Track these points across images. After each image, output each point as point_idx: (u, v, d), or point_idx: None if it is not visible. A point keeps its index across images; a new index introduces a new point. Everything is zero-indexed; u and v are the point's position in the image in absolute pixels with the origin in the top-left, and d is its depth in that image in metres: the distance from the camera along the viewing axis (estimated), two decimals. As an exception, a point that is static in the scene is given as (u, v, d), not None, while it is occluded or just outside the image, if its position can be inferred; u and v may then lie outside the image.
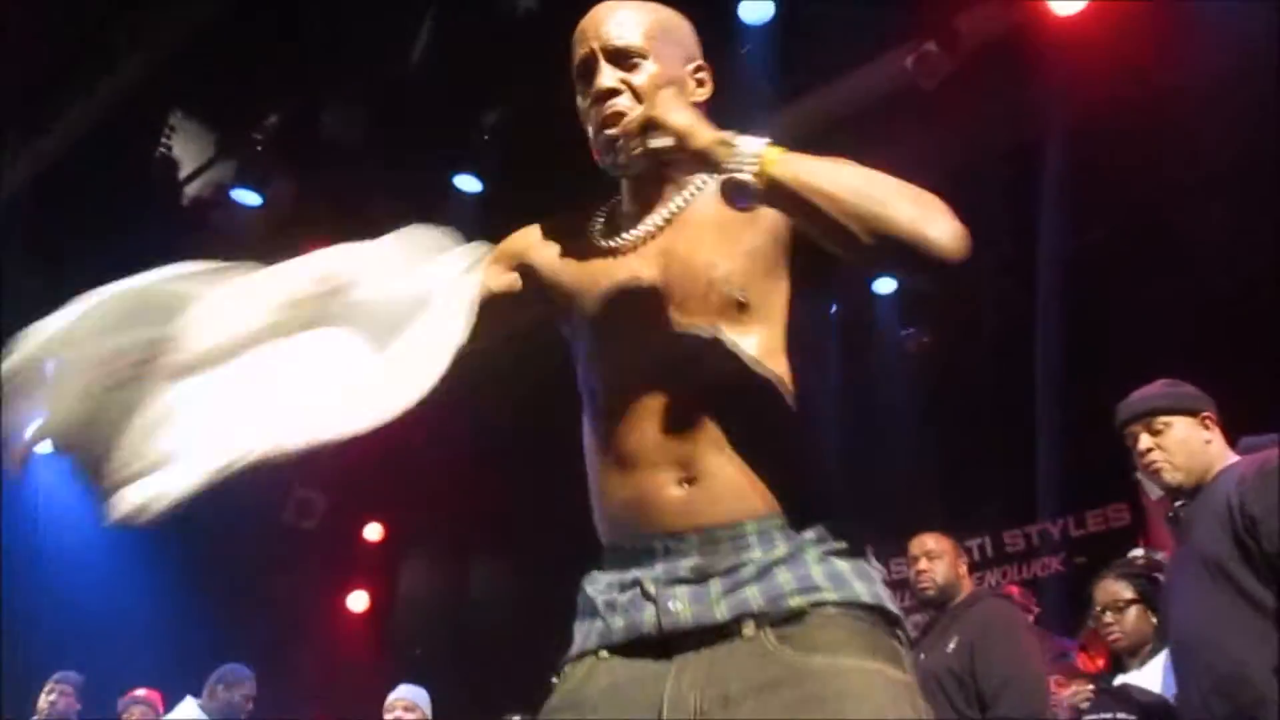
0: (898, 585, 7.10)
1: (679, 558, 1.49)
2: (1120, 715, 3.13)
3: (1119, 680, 3.27)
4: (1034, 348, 6.37)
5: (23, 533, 6.22)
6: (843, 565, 1.49)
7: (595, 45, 1.66)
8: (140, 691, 5.53)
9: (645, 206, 1.69)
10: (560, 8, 5.61)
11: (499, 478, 7.96)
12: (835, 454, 1.70)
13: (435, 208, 6.77)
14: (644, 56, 1.65)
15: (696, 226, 1.65)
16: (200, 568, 7.31)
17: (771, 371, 1.55)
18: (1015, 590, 5.08)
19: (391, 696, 5.13)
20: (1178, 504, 2.57)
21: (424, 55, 5.55)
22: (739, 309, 1.56)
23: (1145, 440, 2.61)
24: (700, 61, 1.75)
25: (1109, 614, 3.29)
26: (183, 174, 6.71)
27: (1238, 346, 5.31)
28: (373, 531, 9.15)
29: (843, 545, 1.51)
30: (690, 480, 1.51)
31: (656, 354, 1.57)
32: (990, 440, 6.85)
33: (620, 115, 1.59)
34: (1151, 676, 3.09)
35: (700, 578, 1.47)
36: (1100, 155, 5.76)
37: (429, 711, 5.12)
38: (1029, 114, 5.84)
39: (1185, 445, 2.56)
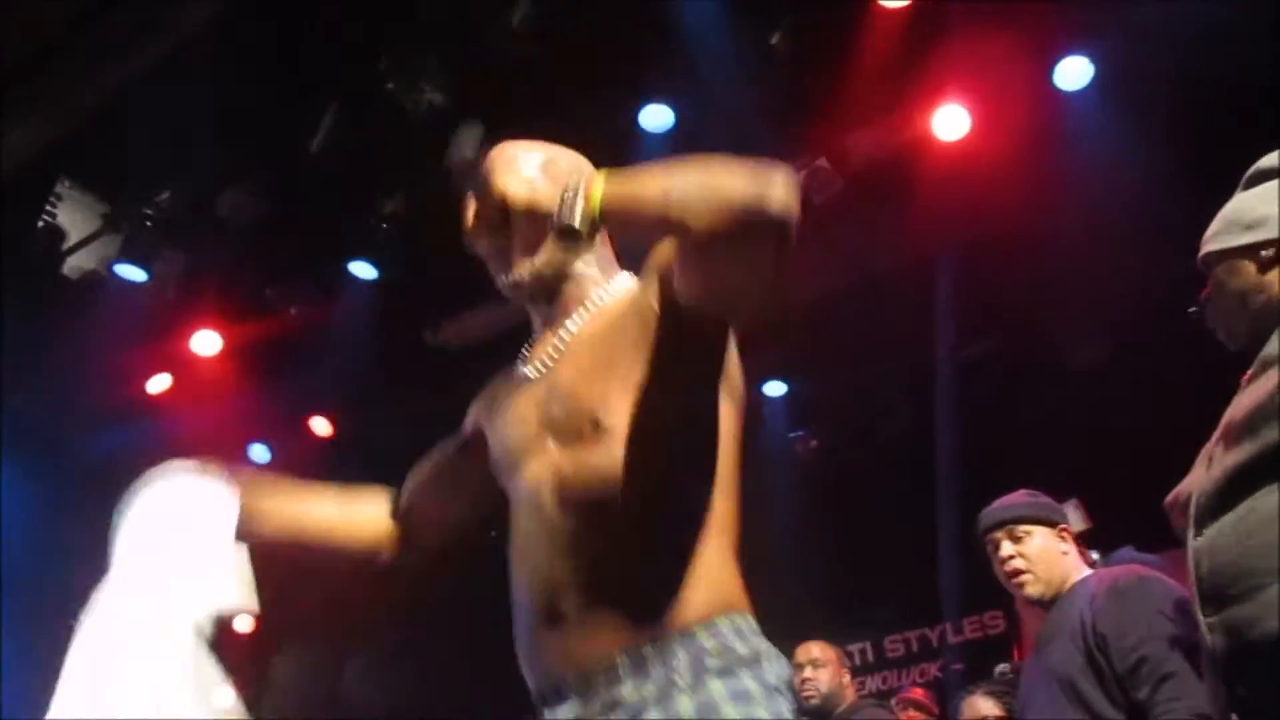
0: (780, 689, 7.16)
1: (559, 704, 1.48)
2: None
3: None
4: (923, 455, 6.53)
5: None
6: (716, 689, 1.43)
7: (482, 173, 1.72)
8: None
9: (549, 333, 1.74)
10: (464, 100, 5.70)
11: (376, 575, 7.74)
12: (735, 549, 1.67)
13: (330, 294, 6.71)
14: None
15: (574, 352, 1.68)
16: (44, 664, 6.90)
17: (632, 492, 1.52)
18: (920, 693, 5.09)
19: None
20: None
21: (325, 141, 5.54)
22: (596, 430, 1.56)
23: (1007, 547, 2.68)
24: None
25: (978, 732, 3.34)
26: (66, 245, 6.51)
27: (1119, 460, 5.53)
28: (243, 623, 8.77)
29: (725, 657, 1.47)
30: (559, 618, 1.49)
31: (529, 492, 1.60)
32: (874, 545, 6.95)
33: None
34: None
35: None
36: (989, 268, 6.01)
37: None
38: (920, 229, 6.08)
39: (1045, 555, 2.63)
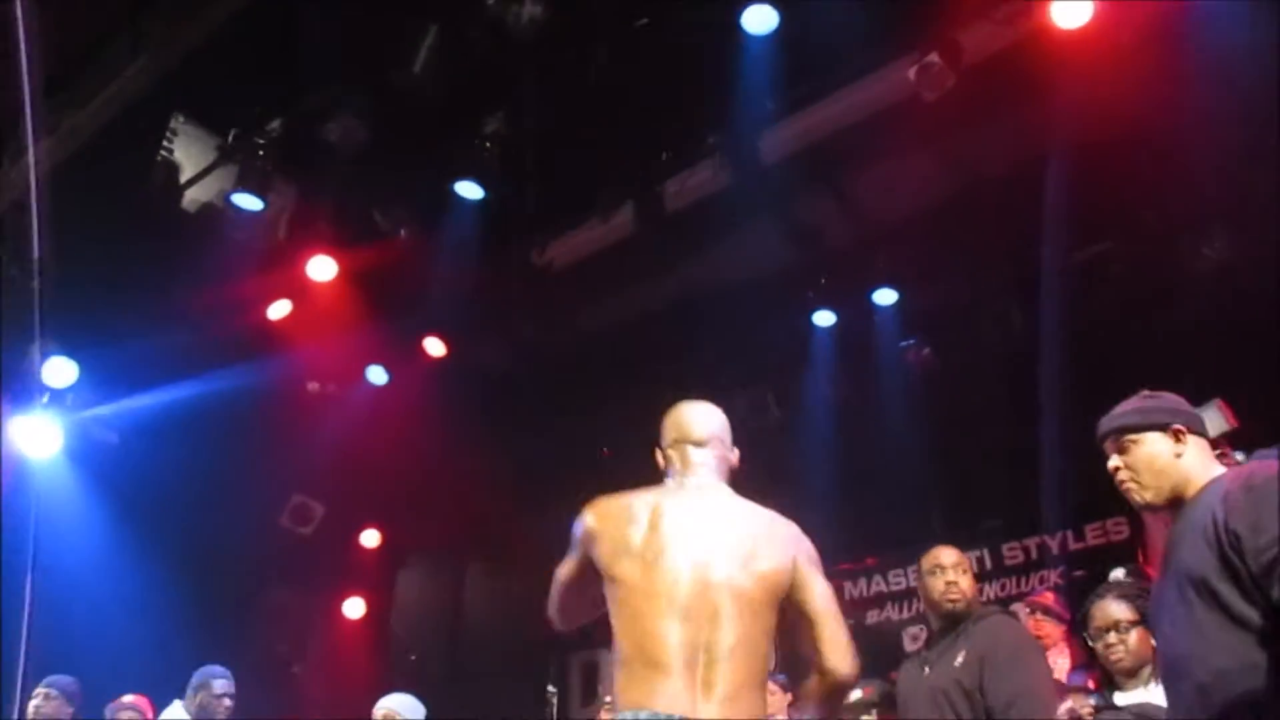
0: (898, 596, 7.15)
1: None
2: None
3: (1120, 699, 3.26)
4: (1035, 362, 6.37)
5: (17, 537, 6.19)
6: None
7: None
8: (128, 698, 5.50)
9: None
10: (562, 17, 5.63)
11: (495, 486, 7.95)
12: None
13: (437, 216, 6.79)
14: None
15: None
16: (196, 573, 7.28)
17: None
18: (1050, 597, 5.02)
19: (377, 706, 5.11)
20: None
21: (427, 63, 5.55)
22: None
23: (1115, 459, 2.59)
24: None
25: (1112, 634, 3.27)
26: (184, 178, 6.71)
27: (1238, 363, 5.31)
28: (370, 538, 9.12)
29: None
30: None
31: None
32: (990, 453, 6.85)
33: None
34: (1163, 696, 3.07)
35: None
36: (1104, 171, 5.76)
37: (416, 718, 5.08)
38: (1031, 129, 5.84)
39: (1152, 462, 2.51)
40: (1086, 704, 3.29)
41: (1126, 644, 3.25)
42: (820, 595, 2.55)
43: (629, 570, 2.46)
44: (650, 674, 2.37)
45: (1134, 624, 3.26)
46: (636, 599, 2.43)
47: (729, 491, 2.69)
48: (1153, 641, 3.19)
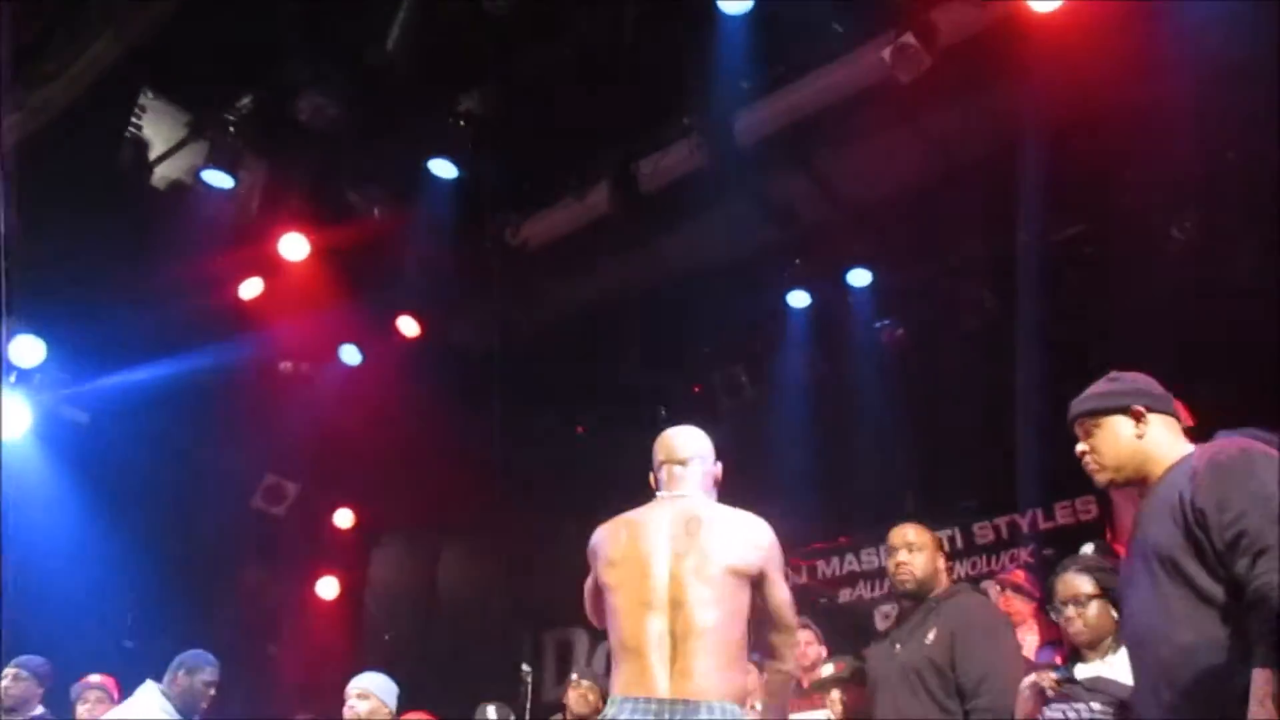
0: (870, 575, 7.21)
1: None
2: (1095, 706, 3.15)
3: (1080, 671, 3.29)
4: (1008, 341, 6.42)
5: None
6: None
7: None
8: (95, 678, 5.47)
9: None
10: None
11: (469, 465, 7.94)
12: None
13: (411, 194, 6.74)
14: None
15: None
16: (169, 553, 7.25)
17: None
18: (1021, 575, 5.07)
19: (350, 684, 5.10)
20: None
21: (400, 40, 5.50)
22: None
23: (1081, 444, 2.64)
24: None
25: (1071, 608, 3.31)
26: (153, 155, 6.63)
27: (1209, 341, 5.37)
28: (343, 518, 9.10)
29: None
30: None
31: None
32: (963, 432, 6.91)
33: None
34: (1121, 669, 3.11)
35: None
36: (1078, 151, 5.80)
37: (388, 698, 5.08)
38: (1006, 110, 5.86)
39: (1114, 444, 2.57)
40: (1049, 677, 3.33)
41: (1085, 617, 3.29)
42: (777, 598, 2.91)
43: (612, 576, 2.86)
44: (629, 660, 2.73)
45: (1093, 597, 3.30)
46: (618, 598, 2.81)
47: (706, 499, 3.03)
48: (1113, 614, 3.24)
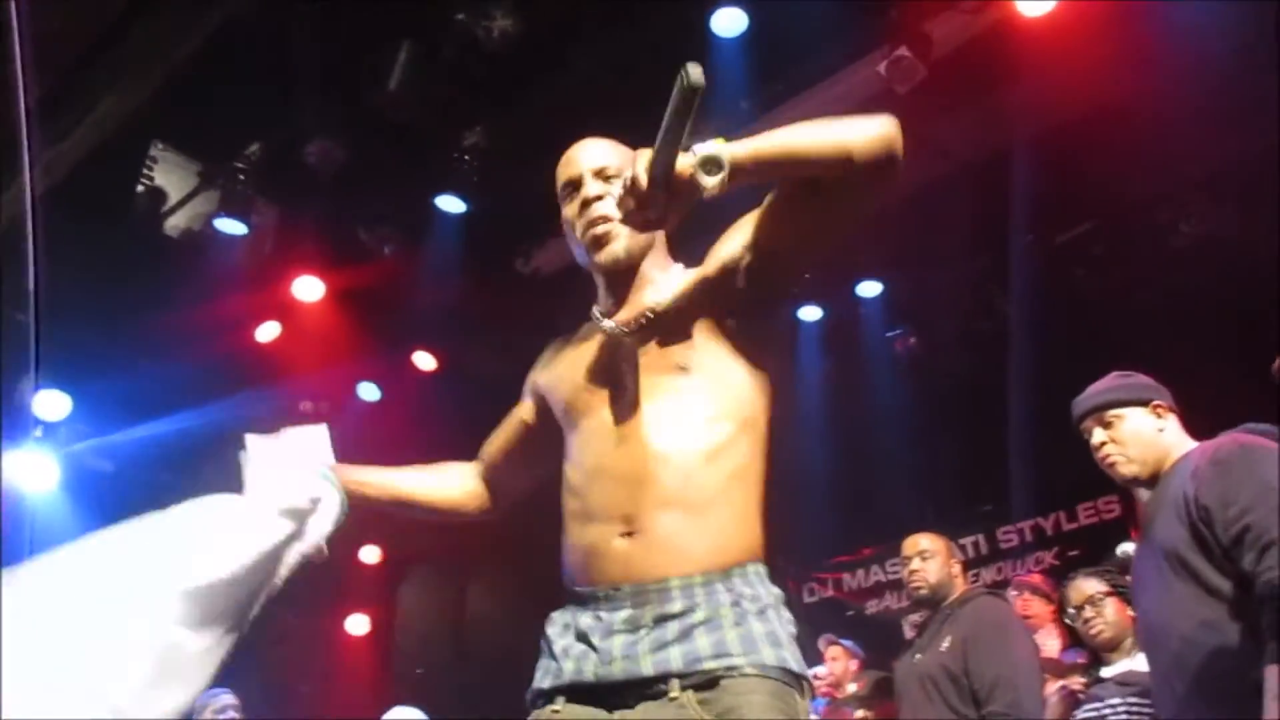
0: (896, 585, 7.21)
1: (615, 608, 1.73)
2: (1131, 700, 3.15)
3: (1106, 672, 3.30)
4: (1022, 343, 6.43)
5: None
6: (756, 628, 1.69)
7: (583, 167, 1.98)
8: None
9: (619, 300, 1.99)
10: (533, 29, 5.66)
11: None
12: (767, 508, 1.88)
13: (421, 231, 6.82)
14: (618, 175, 1.92)
15: (663, 313, 1.92)
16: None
17: (706, 438, 1.79)
18: (1038, 578, 5.07)
19: (384, 719, 5.15)
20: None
21: (402, 81, 5.58)
22: (682, 373, 1.82)
23: (1099, 435, 2.64)
24: None
25: (1088, 609, 3.32)
26: (166, 206, 6.73)
27: (1211, 342, 5.37)
28: (370, 554, 9.14)
29: (757, 602, 1.72)
30: (630, 534, 1.75)
31: (613, 427, 1.85)
32: (980, 439, 6.91)
33: (605, 218, 1.93)
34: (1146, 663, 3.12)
35: (632, 628, 1.70)
36: (1073, 156, 5.82)
37: (420, 731, 5.13)
38: (1006, 113, 5.89)
39: (1138, 436, 2.57)
40: (1077, 680, 3.34)
41: (1103, 615, 3.30)
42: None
43: None
44: None
45: (1107, 595, 3.31)
46: None
47: None
48: (1130, 611, 3.24)
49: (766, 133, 1.77)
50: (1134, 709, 3.15)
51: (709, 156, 1.70)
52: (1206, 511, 2.31)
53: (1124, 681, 3.23)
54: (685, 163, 1.70)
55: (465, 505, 2.29)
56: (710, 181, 1.71)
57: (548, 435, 2.06)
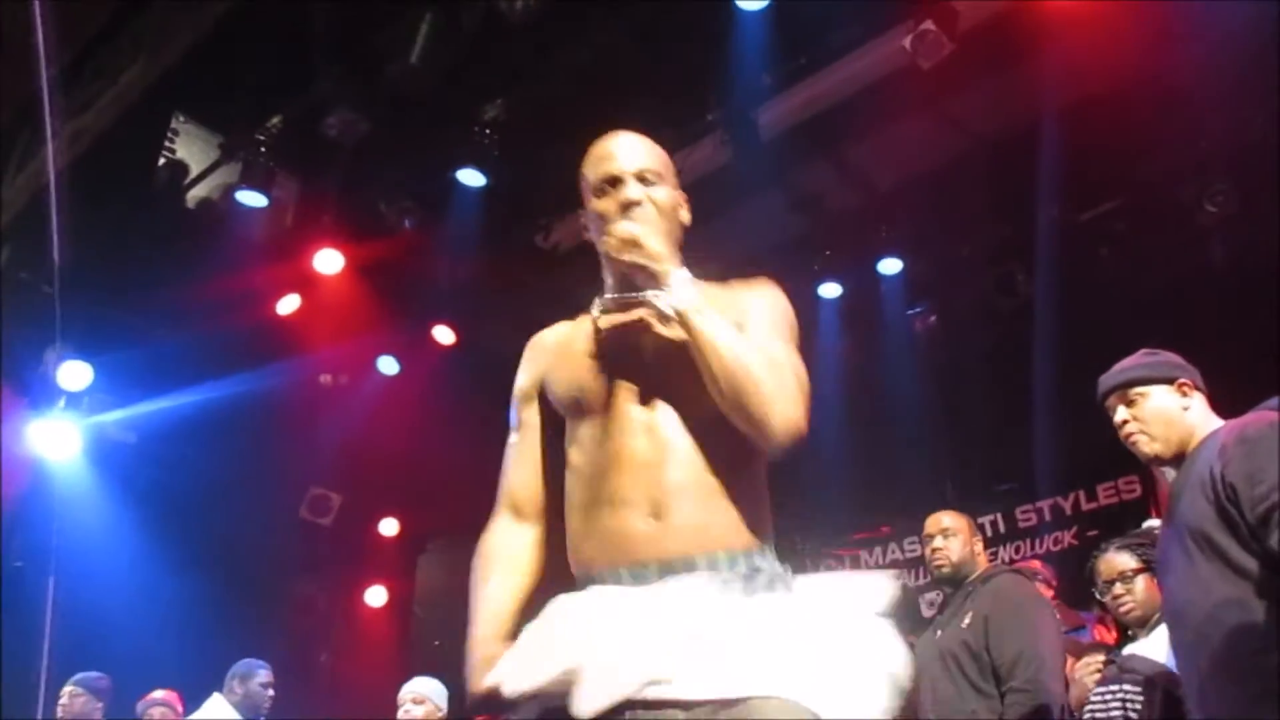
0: (914, 563, 7.20)
1: (634, 583, 1.80)
2: (1126, 687, 3.14)
3: (1126, 651, 3.28)
4: (1044, 321, 6.38)
5: (41, 536, 6.29)
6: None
7: (626, 167, 2.05)
8: (159, 693, 5.58)
9: (628, 291, 2.03)
10: (554, 2, 5.62)
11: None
12: (786, 485, 2.01)
13: (441, 204, 6.81)
14: (660, 179, 2.06)
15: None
16: (219, 567, 7.36)
17: (725, 425, 1.87)
18: (1038, 564, 5.07)
19: (403, 689, 5.18)
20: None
21: (423, 53, 5.56)
22: (693, 363, 1.87)
23: (1122, 412, 2.61)
24: (682, 196, 2.14)
25: (1119, 585, 3.29)
26: (187, 178, 6.75)
27: (1234, 321, 5.32)
28: (388, 526, 9.20)
29: (773, 579, 1.82)
30: (655, 517, 1.83)
31: (636, 411, 1.91)
32: (1000, 417, 6.88)
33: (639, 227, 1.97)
34: (1155, 646, 3.09)
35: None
36: (1098, 134, 5.76)
37: (442, 702, 5.16)
38: (1030, 89, 5.83)
39: (1162, 414, 2.54)
40: (1096, 662, 3.32)
41: (1134, 593, 3.26)
42: None
43: None
44: None
45: (1139, 572, 3.27)
46: None
47: None
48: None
49: (720, 323, 1.87)
50: (1129, 698, 3.12)
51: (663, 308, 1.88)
52: (1233, 489, 2.29)
53: (1124, 666, 3.21)
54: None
55: (543, 560, 2.30)
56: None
57: (559, 432, 2.12)
